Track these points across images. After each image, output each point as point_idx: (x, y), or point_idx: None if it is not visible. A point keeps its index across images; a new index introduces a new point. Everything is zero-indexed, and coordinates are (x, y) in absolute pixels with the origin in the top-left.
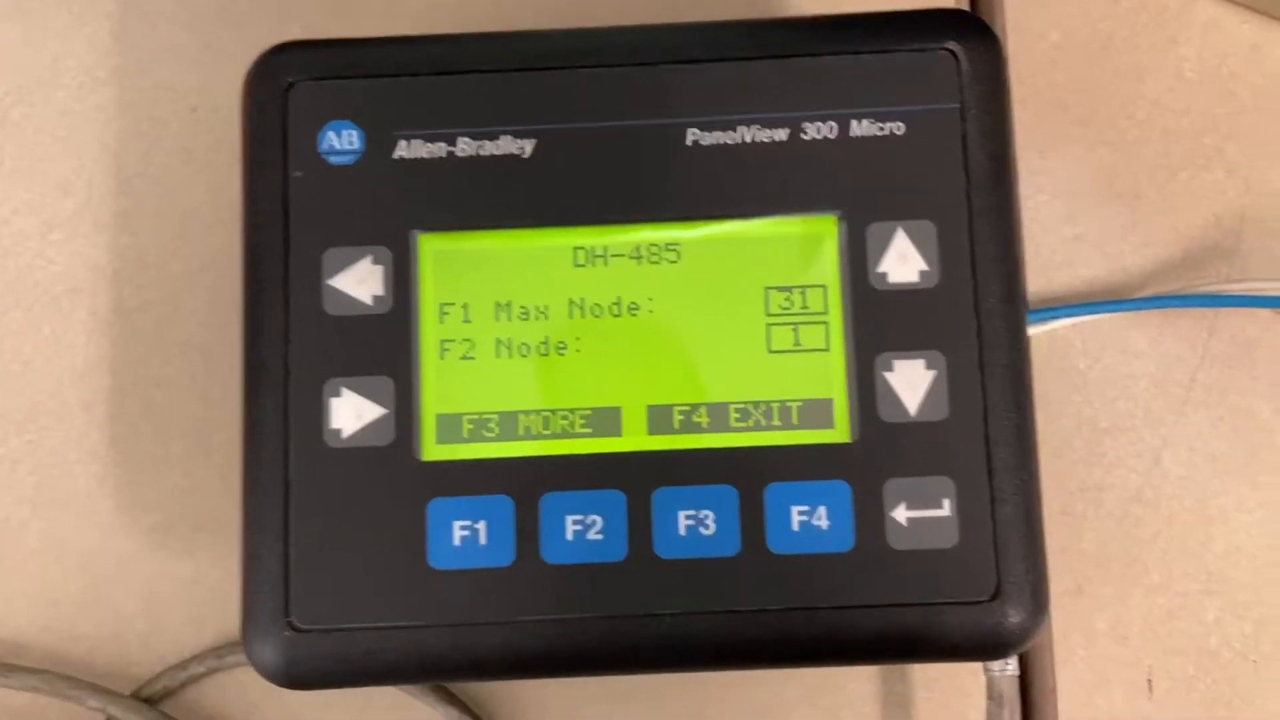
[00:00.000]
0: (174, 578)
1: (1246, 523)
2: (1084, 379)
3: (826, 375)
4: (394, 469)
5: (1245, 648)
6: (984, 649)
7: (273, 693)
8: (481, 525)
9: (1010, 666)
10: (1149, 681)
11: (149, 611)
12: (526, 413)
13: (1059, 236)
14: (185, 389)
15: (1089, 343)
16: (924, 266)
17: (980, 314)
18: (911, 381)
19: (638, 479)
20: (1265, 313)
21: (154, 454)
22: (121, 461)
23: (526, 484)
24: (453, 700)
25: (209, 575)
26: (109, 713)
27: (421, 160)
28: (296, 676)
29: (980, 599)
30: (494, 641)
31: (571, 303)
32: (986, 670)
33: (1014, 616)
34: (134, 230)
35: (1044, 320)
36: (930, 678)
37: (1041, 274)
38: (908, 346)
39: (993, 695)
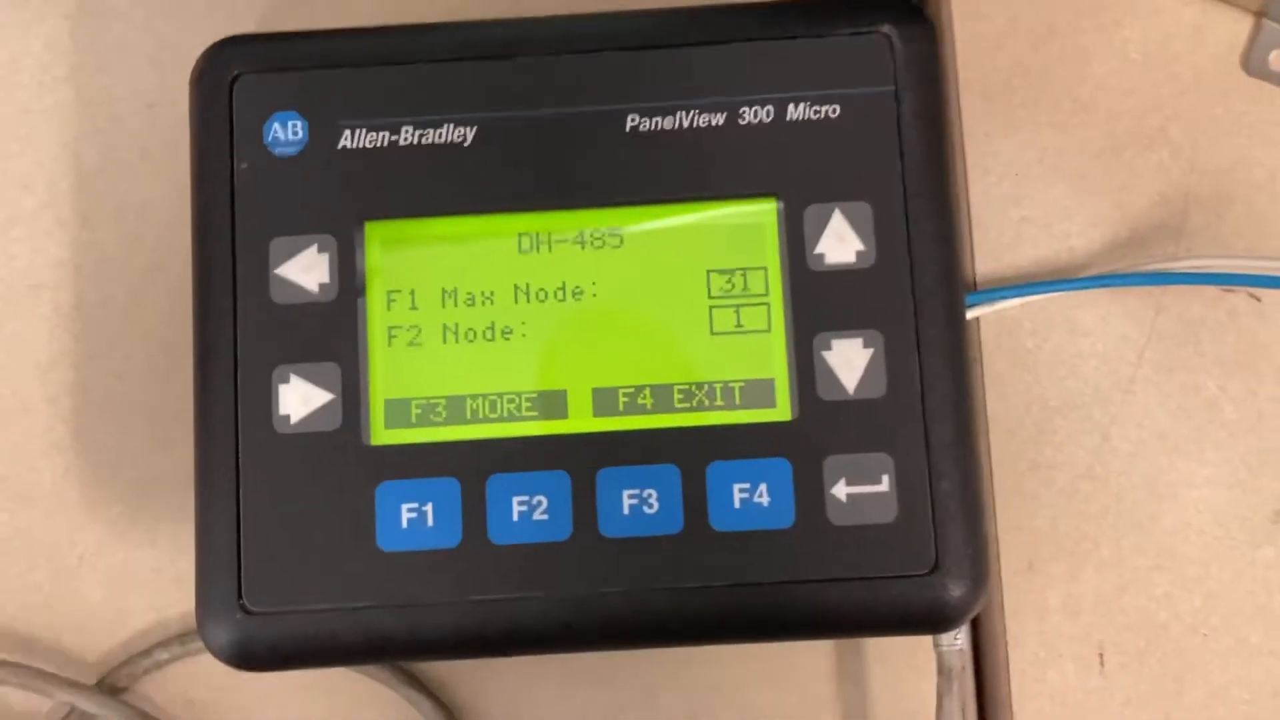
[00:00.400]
0: (137, 567)
1: (1195, 498)
2: (1033, 358)
3: (767, 356)
4: (343, 453)
5: (1195, 621)
6: (925, 622)
7: (238, 679)
8: (429, 507)
9: (959, 641)
10: (1100, 656)
11: (113, 600)
12: (473, 397)
13: (1006, 218)
14: (146, 382)
15: (1037, 322)
16: (860, 247)
17: (916, 293)
18: (850, 360)
19: (582, 460)
20: (1211, 290)
21: (117, 446)
22: (85, 453)
23: (473, 466)
24: (413, 682)
25: (172, 564)
26: (75, 705)
27: (365, 149)
28: (249, 658)
29: (920, 573)
30: (442, 621)
31: (517, 288)
32: (936, 645)
33: (954, 590)
34: (94, 226)
35: (992, 300)
36: (884, 654)
37: (989, 255)
38: (846, 326)
39: (942, 670)
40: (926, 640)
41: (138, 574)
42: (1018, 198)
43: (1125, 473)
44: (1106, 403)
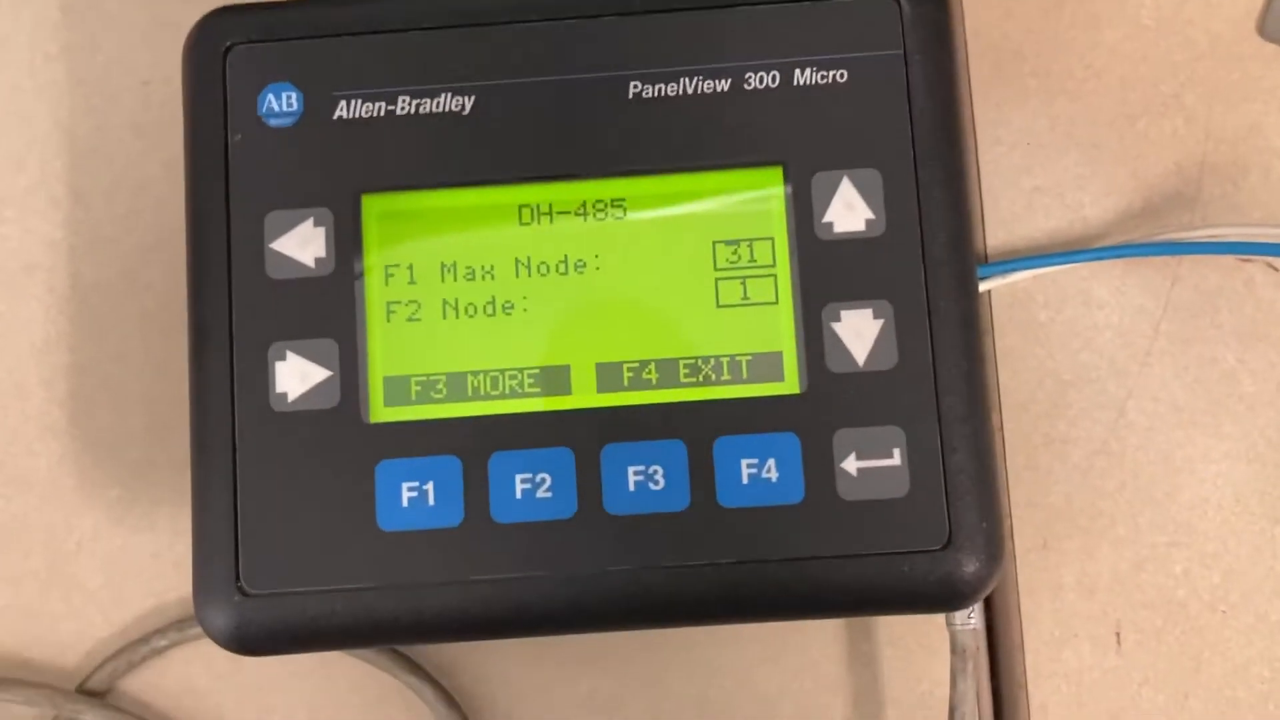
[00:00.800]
0: (136, 552)
1: (1213, 473)
2: (1046, 331)
3: (775, 328)
4: (341, 431)
5: (1214, 598)
6: (939, 599)
7: (239, 665)
8: (430, 486)
9: (973, 620)
10: (1117, 635)
11: (111, 586)
12: (474, 373)
13: (1018, 188)
14: (143, 364)
15: (1050, 295)
16: (870, 215)
17: (927, 262)
18: (859, 331)
19: (586, 436)
20: (1228, 260)
21: (114, 429)
22: (81, 437)
23: (475, 444)
24: (415, 668)
25: (171, 549)
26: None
27: (361, 120)
28: (247, 641)
29: (933, 548)
30: (445, 602)
31: (518, 262)
32: (949, 624)
33: (968, 565)
34: (89, 205)
35: (1004, 273)
36: (895, 635)
37: (1001, 226)
38: (855, 296)
39: (956, 649)
40: (939, 620)
41: (136, 559)
42: (1029, 167)
43: (1142, 447)
44: (1122, 376)
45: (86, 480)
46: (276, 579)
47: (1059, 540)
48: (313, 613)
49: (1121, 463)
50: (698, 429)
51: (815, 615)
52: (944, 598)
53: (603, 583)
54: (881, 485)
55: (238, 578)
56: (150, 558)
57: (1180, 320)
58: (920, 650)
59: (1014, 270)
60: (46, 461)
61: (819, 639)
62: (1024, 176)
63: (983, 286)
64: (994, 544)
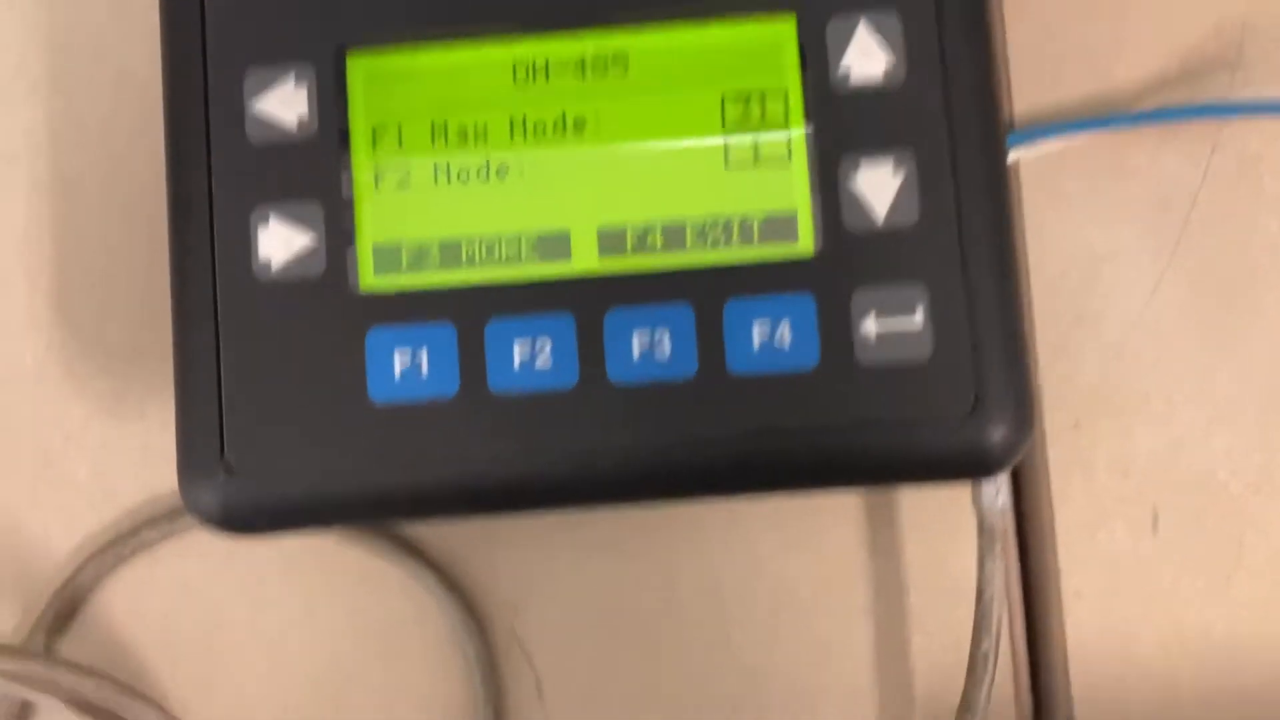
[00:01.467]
0: (125, 444)
1: (1254, 348)
2: (1077, 204)
3: (788, 186)
4: (329, 301)
5: (1258, 479)
6: (965, 468)
7: (232, 558)
8: (423, 355)
9: (1001, 497)
10: (1154, 518)
11: (100, 480)
12: (469, 240)
13: (1045, 52)
14: (130, 252)
15: (1081, 165)
16: (889, 63)
17: (951, 110)
18: (878, 186)
19: (588, 301)
20: (1271, 125)
21: (101, 320)
22: (67, 328)
23: (470, 311)
24: (417, 555)
25: (161, 440)
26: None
27: None
28: (235, 520)
29: (958, 413)
30: (440, 476)
31: (513, 122)
32: (976, 503)
33: (997, 430)
34: (69, 94)
35: (1032, 141)
36: (919, 520)
37: (1027, 93)
38: (874, 149)
39: (984, 530)
40: (966, 503)
41: (126, 451)
42: (1058, 30)
43: (1179, 322)
44: (1158, 249)
45: (74, 372)
46: (264, 455)
47: (1092, 420)
48: (302, 489)
49: (1157, 338)
50: (706, 292)
51: (832, 486)
52: (971, 465)
53: (606, 455)
54: (902, 348)
55: (223, 453)
56: (140, 450)
57: (1220, 189)
58: (944, 537)
59: (1042, 138)
60: (32, 354)
61: (838, 525)
62: (1052, 40)
63: (1009, 156)
64: (1023, 407)
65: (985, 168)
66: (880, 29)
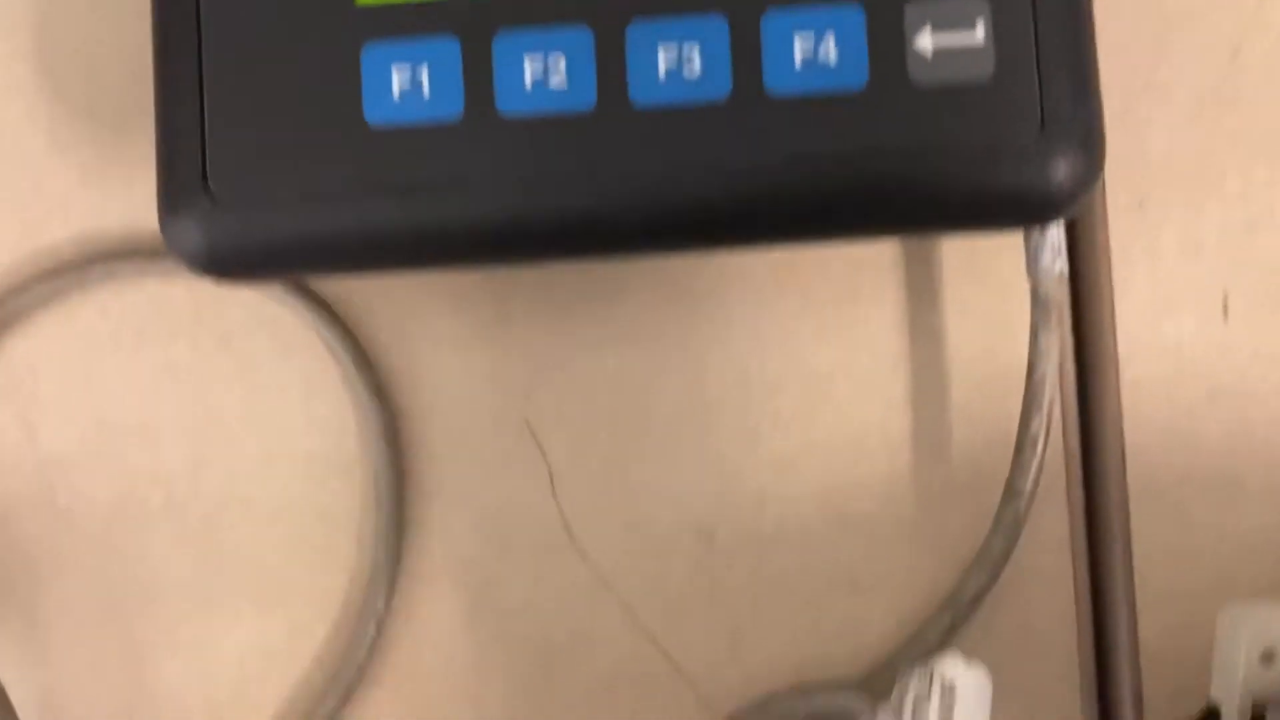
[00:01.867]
0: (111, 210)
1: None
2: None
3: None
4: (320, 12)
5: None
6: (1026, 206)
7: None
8: (424, 72)
9: (1060, 263)
10: (1225, 303)
11: (83, 248)
12: None
13: None
14: (118, 21)
15: None
16: None
17: None
18: None
19: (608, 11)
20: None
21: (86, 82)
22: (50, 91)
23: (476, 23)
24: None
25: (148, 211)
26: None
27: None
28: (220, 260)
29: (1021, 141)
30: (444, 210)
31: None
32: (1031, 269)
33: (1062, 163)
34: None
35: None
36: (965, 304)
37: None
38: None
39: (1038, 300)
40: (1017, 287)
41: (112, 218)
42: None
43: (1259, 91)
44: (1239, 11)
45: (57, 140)
46: (249, 182)
47: (1159, 198)
48: (293, 223)
49: (1235, 109)
50: (742, 1)
51: (880, 229)
52: (1034, 202)
53: (628, 186)
54: (961, 66)
55: (205, 181)
56: (122, 216)
57: None
58: (993, 321)
59: None
60: (12, 121)
61: (877, 310)
62: None
63: None
64: (1092, 140)
65: None
66: None
